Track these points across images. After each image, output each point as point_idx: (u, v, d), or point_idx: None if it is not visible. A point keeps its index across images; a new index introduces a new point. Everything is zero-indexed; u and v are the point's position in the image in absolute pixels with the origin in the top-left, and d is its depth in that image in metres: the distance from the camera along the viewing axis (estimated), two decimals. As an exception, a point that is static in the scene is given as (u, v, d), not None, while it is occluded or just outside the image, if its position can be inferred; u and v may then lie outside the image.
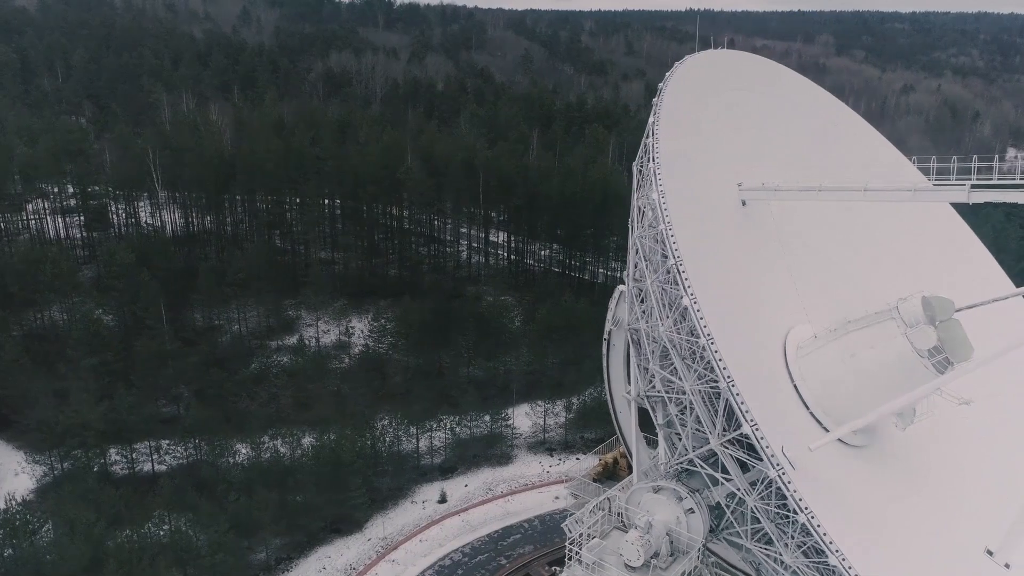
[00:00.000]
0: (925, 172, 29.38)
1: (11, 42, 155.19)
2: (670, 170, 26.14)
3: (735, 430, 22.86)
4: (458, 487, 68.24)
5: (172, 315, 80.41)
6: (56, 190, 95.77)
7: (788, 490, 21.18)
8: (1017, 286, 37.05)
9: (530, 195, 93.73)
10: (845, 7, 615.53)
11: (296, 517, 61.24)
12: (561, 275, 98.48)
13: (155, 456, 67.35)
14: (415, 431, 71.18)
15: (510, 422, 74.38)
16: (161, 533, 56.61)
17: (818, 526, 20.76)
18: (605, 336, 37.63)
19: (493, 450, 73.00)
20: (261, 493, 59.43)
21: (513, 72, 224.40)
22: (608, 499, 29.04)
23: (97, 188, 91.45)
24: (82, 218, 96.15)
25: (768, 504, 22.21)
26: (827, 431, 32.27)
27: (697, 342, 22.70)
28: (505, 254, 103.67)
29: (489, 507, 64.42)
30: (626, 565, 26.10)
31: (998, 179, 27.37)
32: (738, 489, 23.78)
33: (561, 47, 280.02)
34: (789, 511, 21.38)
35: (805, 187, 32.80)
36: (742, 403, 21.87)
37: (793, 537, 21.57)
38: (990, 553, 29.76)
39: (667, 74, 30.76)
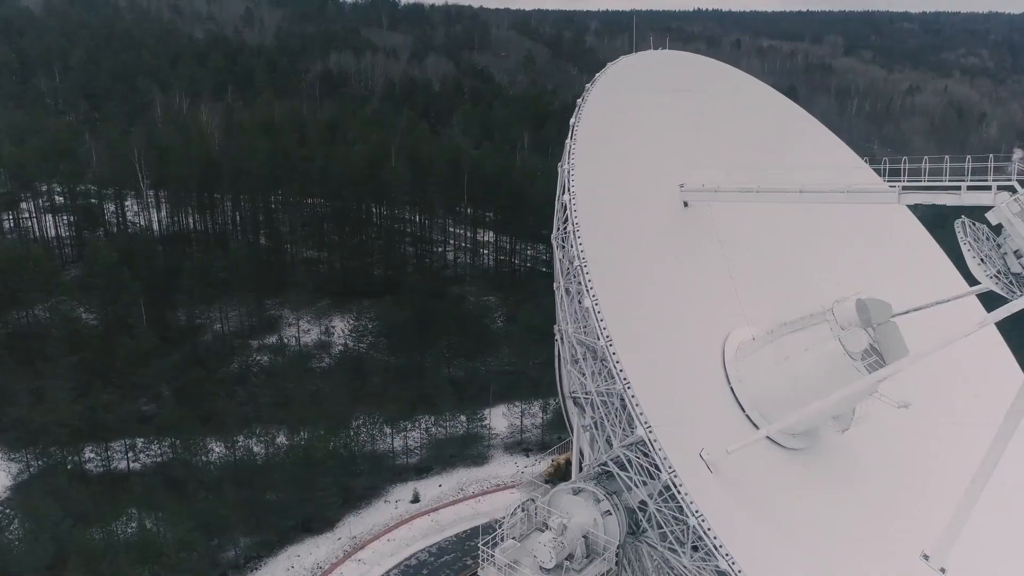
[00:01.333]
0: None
1: (12, 42, 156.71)
2: (587, 171, 26.01)
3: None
4: (432, 487, 68.33)
5: (154, 314, 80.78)
6: (45, 188, 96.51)
7: (679, 493, 21.05)
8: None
9: (515, 195, 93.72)
10: (854, 7, 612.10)
11: (266, 516, 61.46)
12: (546, 275, 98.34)
13: (130, 454, 67.70)
14: (390, 431, 71.30)
15: (486, 422, 74.42)
16: (129, 531, 57.04)
17: (708, 529, 20.61)
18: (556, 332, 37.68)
19: (470, 450, 73.02)
20: (229, 492, 59.65)
21: (515, 72, 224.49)
22: (533, 500, 28.91)
23: (84, 187, 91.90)
24: (73, 218, 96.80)
25: (670, 508, 22.07)
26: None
27: (598, 344, 22.60)
28: (492, 254, 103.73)
29: (460, 507, 64.48)
30: (540, 567, 25.98)
31: (927, 181, 27.10)
32: (650, 495, 23.70)
33: (564, 47, 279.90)
34: (684, 515, 21.25)
35: (743, 188, 32.61)
36: (637, 406, 21.73)
37: (689, 541, 21.43)
38: (926, 557, 29.50)
39: (597, 75, 30.64)
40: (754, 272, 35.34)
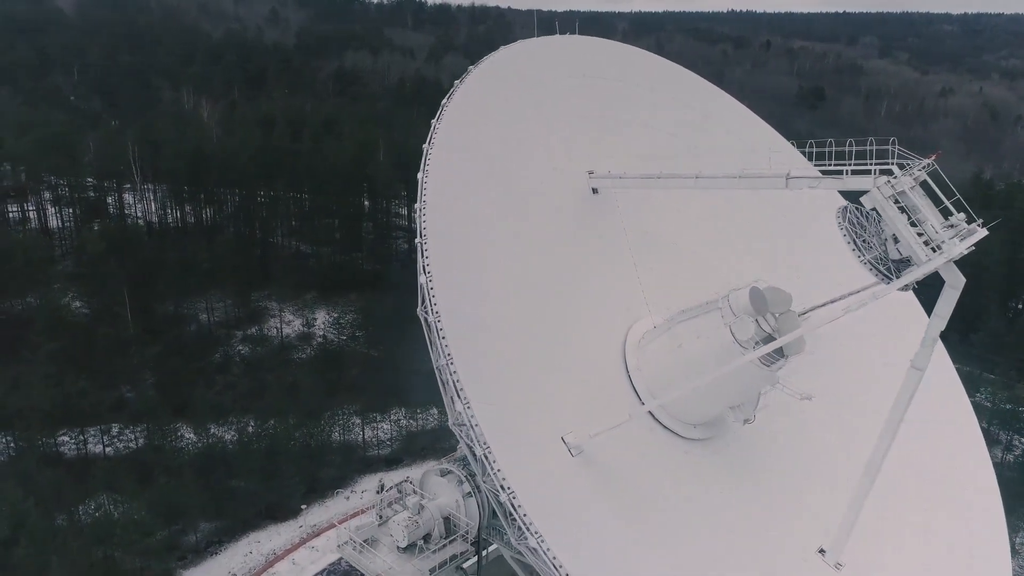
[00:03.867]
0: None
1: (36, 40, 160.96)
2: (447, 155, 25.88)
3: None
4: (399, 478, 68.31)
5: (141, 304, 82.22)
6: (53, 182, 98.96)
7: (492, 469, 20.87)
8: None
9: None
10: (892, 8, 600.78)
11: (229, 502, 62.26)
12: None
13: (104, 439, 69.00)
14: (360, 422, 71.73)
15: (459, 416, 74.41)
16: (95, 514, 58.22)
17: (519, 507, 20.36)
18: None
19: (441, 443, 73.06)
20: (194, 478, 60.57)
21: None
22: (408, 480, 29.04)
23: (78, 180, 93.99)
24: (74, 210, 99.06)
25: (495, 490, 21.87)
26: (659, 422, 31.89)
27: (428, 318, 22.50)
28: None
29: (422, 498, 64.43)
30: (397, 546, 26.03)
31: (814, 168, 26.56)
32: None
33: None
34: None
35: (646, 175, 32.31)
36: (460, 387, 21.55)
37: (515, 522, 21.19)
38: (822, 552, 28.93)
39: (483, 59, 30.51)
40: (666, 262, 34.99)
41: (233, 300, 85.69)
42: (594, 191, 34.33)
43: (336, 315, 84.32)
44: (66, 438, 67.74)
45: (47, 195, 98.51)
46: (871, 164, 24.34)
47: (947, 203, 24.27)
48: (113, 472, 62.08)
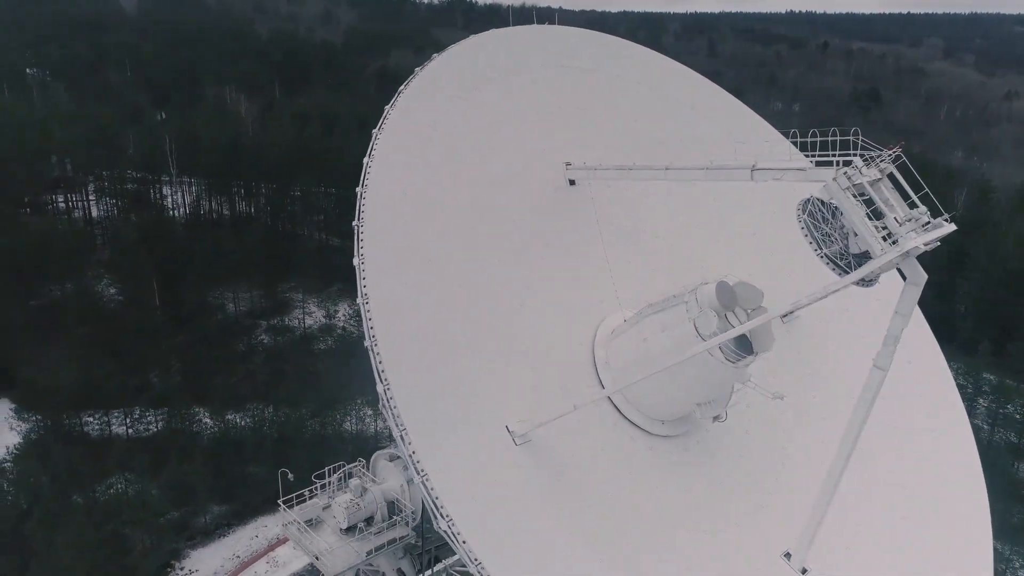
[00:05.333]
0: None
1: (96, 38, 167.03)
2: (395, 137, 26.01)
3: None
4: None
5: (170, 293, 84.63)
6: (104, 174, 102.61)
7: (407, 451, 20.92)
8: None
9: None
10: (960, 9, 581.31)
11: (239, 487, 63.69)
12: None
13: (127, 421, 71.19)
14: (372, 413, 72.54)
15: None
16: (109, 492, 60.23)
17: (432, 489, 20.31)
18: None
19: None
20: (208, 462, 62.18)
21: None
22: (359, 462, 29.26)
23: (120, 172, 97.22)
24: (115, 200, 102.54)
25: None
26: (625, 417, 31.54)
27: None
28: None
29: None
30: (339, 528, 26.27)
31: (778, 163, 25.99)
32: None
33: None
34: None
35: (620, 166, 32.06)
36: (380, 362, 21.67)
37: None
38: (787, 556, 28.34)
39: (452, 45, 30.54)
40: (648, 256, 34.52)
41: (260, 291, 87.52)
42: (571, 183, 34.08)
43: (357, 308, 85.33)
44: (91, 419, 70.06)
45: (91, 186, 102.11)
46: (833, 156, 23.68)
47: (914, 197, 23.49)
48: (130, 453, 64.01)
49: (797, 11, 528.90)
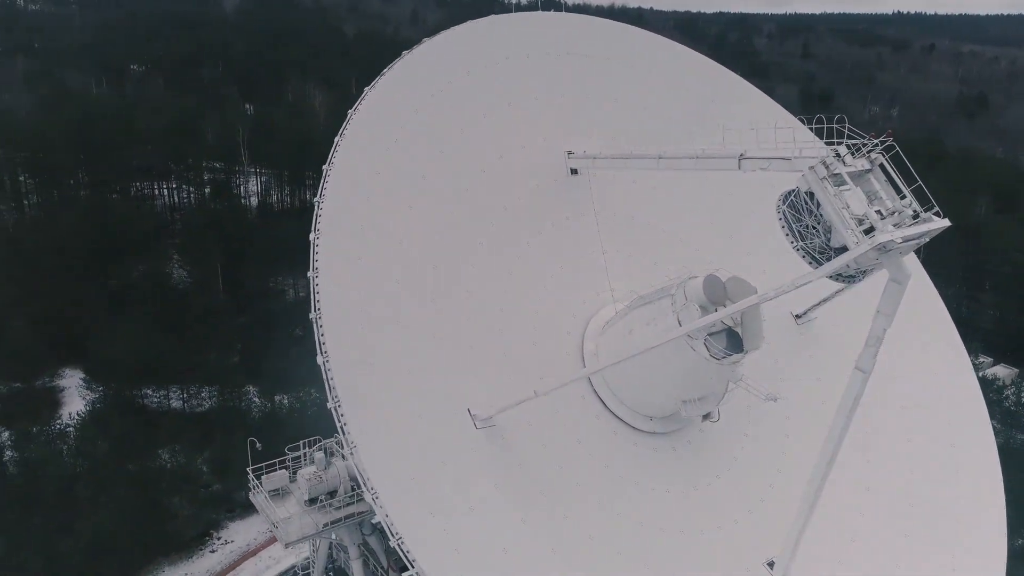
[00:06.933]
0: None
1: (195, 36, 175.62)
2: (371, 125, 26.43)
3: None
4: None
5: (236, 277, 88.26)
6: (191, 164, 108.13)
7: (344, 430, 21.22)
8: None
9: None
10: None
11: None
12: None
13: (184, 396, 74.67)
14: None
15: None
16: (156, 463, 63.39)
17: (367, 476, 20.33)
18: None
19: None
20: (240, 437, 64.47)
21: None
22: (335, 438, 29.94)
23: (201, 161, 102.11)
24: (194, 188, 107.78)
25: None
26: (610, 411, 31.26)
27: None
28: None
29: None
30: (304, 500, 26.99)
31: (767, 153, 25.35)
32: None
33: (727, 49, 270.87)
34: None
35: (616, 155, 31.85)
36: (322, 335, 22.11)
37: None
38: (771, 565, 27.65)
39: (445, 31, 30.74)
40: (648, 247, 34.12)
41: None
42: (573, 171, 33.93)
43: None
44: (150, 392, 73.81)
45: (173, 174, 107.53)
46: (820, 145, 22.98)
47: (907, 190, 22.52)
48: (182, 427, 67.13)
49: (905, 12, 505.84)
